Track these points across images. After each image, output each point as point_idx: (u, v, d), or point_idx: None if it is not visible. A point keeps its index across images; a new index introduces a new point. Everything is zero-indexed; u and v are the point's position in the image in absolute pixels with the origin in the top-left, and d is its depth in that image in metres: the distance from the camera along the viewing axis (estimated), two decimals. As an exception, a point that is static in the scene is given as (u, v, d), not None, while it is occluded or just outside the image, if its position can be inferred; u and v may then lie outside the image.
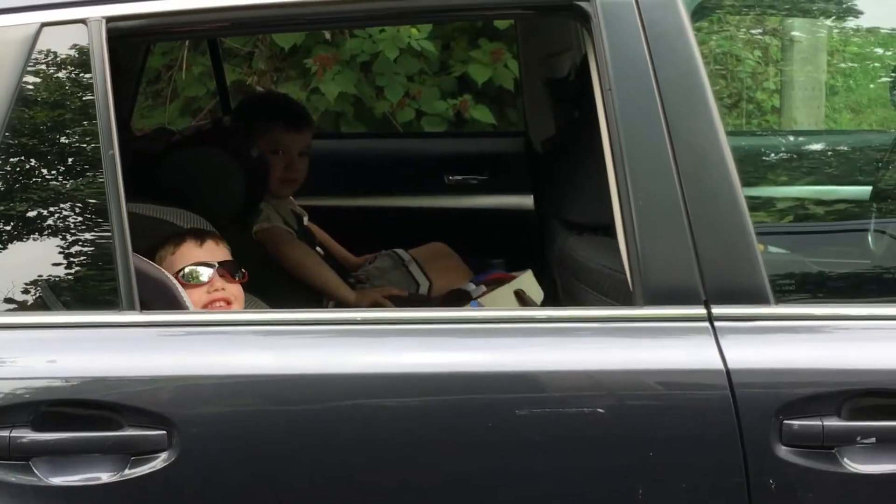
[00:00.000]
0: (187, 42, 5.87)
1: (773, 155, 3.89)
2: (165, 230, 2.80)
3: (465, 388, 2.04)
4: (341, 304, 3.45)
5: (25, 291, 2.13)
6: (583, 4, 2.12)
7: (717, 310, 2.03)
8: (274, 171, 3.57)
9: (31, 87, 2.16)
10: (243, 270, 2.75)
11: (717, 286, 2.04)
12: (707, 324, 2.03)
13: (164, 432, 1.99)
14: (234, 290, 2.72)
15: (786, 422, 1.98)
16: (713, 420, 2.00)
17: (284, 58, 6.25)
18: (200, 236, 2.73)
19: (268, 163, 3.52)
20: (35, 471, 2.00)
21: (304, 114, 3.81)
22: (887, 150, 3.45)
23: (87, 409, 2.01)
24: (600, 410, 2.00)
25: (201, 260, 2.69)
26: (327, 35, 5.87)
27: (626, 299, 2.13)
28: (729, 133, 2.10)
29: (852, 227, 3.06)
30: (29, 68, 2.15)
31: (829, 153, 3.93)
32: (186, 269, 2.67)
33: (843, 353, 2.05)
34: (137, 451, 1.99)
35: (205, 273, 2.68)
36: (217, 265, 2.70)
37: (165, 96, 6.26)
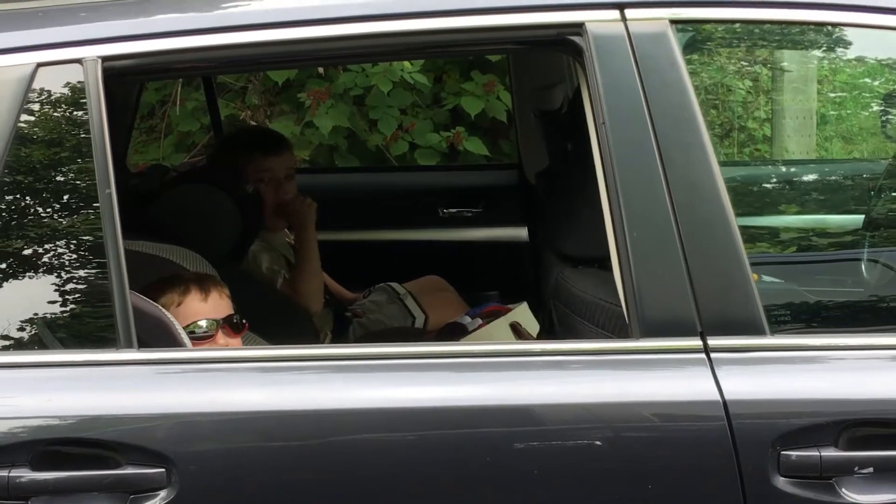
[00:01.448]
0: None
1: (765, 185, 3.91)
2: (163, 268, 2.80)
3: (463, 422, 2.04)
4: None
5: (23, 330, 2.13)
6: (575, 39, 2.13)
7: (713, 341, 2.04)
8: (267, 200, 3.59)
9: (27, 126, 2.16)
10: (244, 322, 2.75)
11: (713, 317, 2.04)
12: (703, 355, 2.03)
13: (163, 470, 1.98)
14: (236, 343, 2.72)
15: (783, 452, 1.98)
16: (710, 451, 2.00)
17: (278, 92, 6.27)
18: (205, 288, 2.70)
19: (262, 198, 3.53)
20: (34, 511, 1.99)
21: (278, 136, 3.87)
22: (879, 178, 3.46)
23: (85, 447, 2.00)
24: (598, 443, 2.00)
25: (206, 316, 2.68)
26: (320, 69, 5.89)
27: (622, 331, 2.13)
28: (721, 164, 2.11)
29: (846, 256, 3.07)
30: (25, 107, 2.15)
31: (822, 182, 3.95)
32: (191, 327, 2.65)
33: (839, 383, 2.05)
34: (136, 490, 1.99)
35: (210, 330, 2.68)
36: (221, 321, 2.70)
37: (159, 132, 6.27)
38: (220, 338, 2.67)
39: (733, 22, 2.30)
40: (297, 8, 2.22)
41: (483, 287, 3.97)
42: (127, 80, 3.06)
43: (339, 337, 3.64)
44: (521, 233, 4.09)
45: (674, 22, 2.13)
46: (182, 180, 3.60)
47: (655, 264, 2.07)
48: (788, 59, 5.74)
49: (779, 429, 1.99)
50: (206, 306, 2.68)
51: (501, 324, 3.27)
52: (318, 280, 3.62)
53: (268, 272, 3.56)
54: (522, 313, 3.33)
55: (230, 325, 2.69)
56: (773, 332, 2.07)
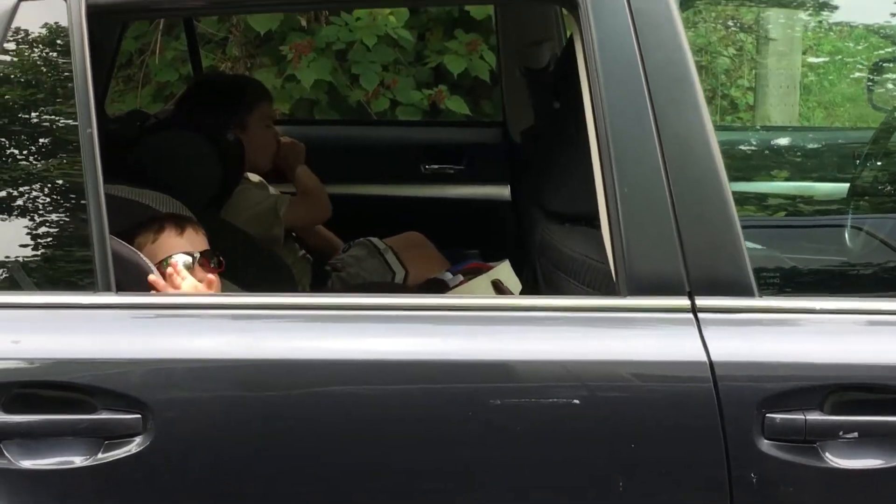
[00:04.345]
0: (161, 26, 5.82)
1: (751, 150, 3.89)
2: (141, 213, 2.76)
3: (444, 375, 2.02)
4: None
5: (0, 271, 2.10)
6: (571, -8, 2.10)
7: (700, 301, 2.02)
8: (269, 145, 3.65)
9: (8, 63, 2.12)
10: (220, 259, 2.71)
11: (702, 277, 2.02)
12: (691, 315, 2.01)
13: (139, 416, 1.96)
14: (213, 280, 2.69)
15: (768, 415, 1.96)
16: (695, 412, 1.98)
17: (259, 44, 6.21)
18: (180, 224, 2.69)
19: (243, 146, 3.49)
20: (6, 454, 1.96)
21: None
22: (864, 147, 3.45)
23: (60, 391, 1.97)
24: (582, 401, 1.98)
25: (182, 250, 2.65)
26: (303, 22, 5.83)
27: (610, 289, 2.11)
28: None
29: (830, 222, 3.06)
30: (6, 45, 2.10)
31: (807, 150, 3.94)
32: (168, 260, 2.62)
33: (826, 347, 2.03)
34: (111, 435, 1.96)
35: (186, 264, 2.64)
36: (198, 255, 2.66)
37: (137, 81, 6.20)
38: (198, 272, 2.65)
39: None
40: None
41: (464, 244, 3.95)
42: (111, 18, 3.00)
43: (317, 290, 3.60)
44: (504, 191, 4.06)
45: (671, -24, 2.10)
46: (163, 126, 3.55)
47: (645, 221, 2.04)
48: (776, 24, 5.71)
49: (765, 391, 1.97)
50: (181, 241, 2.66)
51: (483, 281, 3.25)
52: (325, 194, 3.71)
53: (261, 207, 3.54)
54: (505, 271, 3.31)
55: (207, 259, 2.66)
56: (762, 294, 2.05)
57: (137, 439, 1.96)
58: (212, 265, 2.68)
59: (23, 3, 2.11)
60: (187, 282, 2.54)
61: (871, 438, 1.98)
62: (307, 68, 5.63)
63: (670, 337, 2.02)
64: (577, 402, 1.98)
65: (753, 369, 2.00)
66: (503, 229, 3.93)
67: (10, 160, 2.14)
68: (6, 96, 2.13)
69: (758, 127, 5.99)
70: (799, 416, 1.96)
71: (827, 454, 1.97)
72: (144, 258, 2.43)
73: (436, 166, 4.28)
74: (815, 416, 1.96)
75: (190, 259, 2.65)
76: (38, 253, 2.12)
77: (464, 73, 5.78)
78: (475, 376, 2.02)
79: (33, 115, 2.15)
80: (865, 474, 1.98)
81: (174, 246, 2.65)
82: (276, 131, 3.74)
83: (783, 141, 4.27)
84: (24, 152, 2.15)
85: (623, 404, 2.00)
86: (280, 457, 2.00)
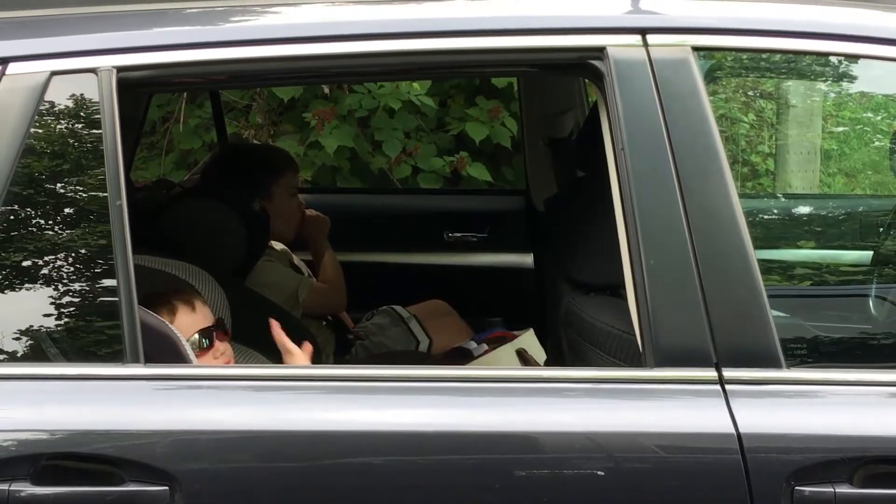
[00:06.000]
0: (185, 94, 5.87)
1: (774, 218, 3.90)
2: (167, 283, 2.77)
3: (469, 447, 2.02)
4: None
5: (29, 342, 2.10)
6: (596, 63, 2.11)
7: (728, 373, 2.01)
8: (294, 215, 3.67)
9: (39, 135, 2.14)
10: (225, 323, 2.74)
11: (729, 348, 2.02)
12: (718, 386, 2.01)
13: (167, 488, 1.96)
14: (229, 348, 2.71)
15: (797, 488, 1.95)
16: (723, 485, 1.97)
17: (282, 112, 6.26)
18: (187, 301, 2.69)
19: (268, 216, 3.51)
20: (33, 526, 1.96)
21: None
22: (888, 216, 3.45)
23: (88, 462, 1.97)
24: (606, 473, 1.98)
25: (202, 326, 2.66)
26: (326, 90, 5.88)
27: (636, 360, 2.11)
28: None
29: (854, 291, 3.05)
30: (37, 117, 2.12)
31: (830, 218, 3.94)
32: (195, 338, 2.63)
33: (856, 419, 2.03)
34: None
35: (210, 338, 2.66)
36: (215, 327, 2.67)
37: (160, 148, 6.24)
38: (219, 344, 2.66)
39: (757, 51, 2.27)
40: (322, 23, 2.21)
41: (487, 312, 3.95)
42: (140, 91, 3.04)
43: (341, 359, 3.61)
44: (527, 259, 4.07)
45: (696, 49, 2.12)
46: (188, 195, 3.58)
47: (671, 292, 2.04)
48: (796, 92, 5.73)
49: (793, 464, 1.96)
50: (197, 316, 2.67)
51: (507, 350, 3.25)
52: (342, 282, 3.70)
53: (286, 279, 3.54)
54: (529, 340, 3.31)
55: (221, 328, 2.67)
56: (790, 365, 2.04)
57: None
58: (224, 327, 2.70)
59: (55, 77, 2.14)
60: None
61: (901, 512, 1.97)
62: (330, 135, 5.66)
63: (697, 409, 2.02)
64: (601, 473, 1.97)
65: (782, 441, 2.00)
66: (526, 297, 3.93)
67: (42, 229, 2.15)
68: (36, 166, 2.15)
69: (780, 195, 6.00)
70: (828, 489, 1.95)
71: (857, 528, 1.95)
72: (173, 328, 2.44)
73: (458, 234, 4.29)
74: (844, 489, 1.95)
75: (213, 333, 2.66)
76: (66, 324, 2.12)
77: (485, 139, 5.80)
78: (500, 448, 2.01)
79: (59, 185, 2.17)
80: (896, 548, 1.96)
81: (195, 322, 2.65)
82: (301, 201, 3.76)
83: (806, 209, 4.28)
84: (58, 220, 2.16)
85: (649, 476, 1.99)
86: None
